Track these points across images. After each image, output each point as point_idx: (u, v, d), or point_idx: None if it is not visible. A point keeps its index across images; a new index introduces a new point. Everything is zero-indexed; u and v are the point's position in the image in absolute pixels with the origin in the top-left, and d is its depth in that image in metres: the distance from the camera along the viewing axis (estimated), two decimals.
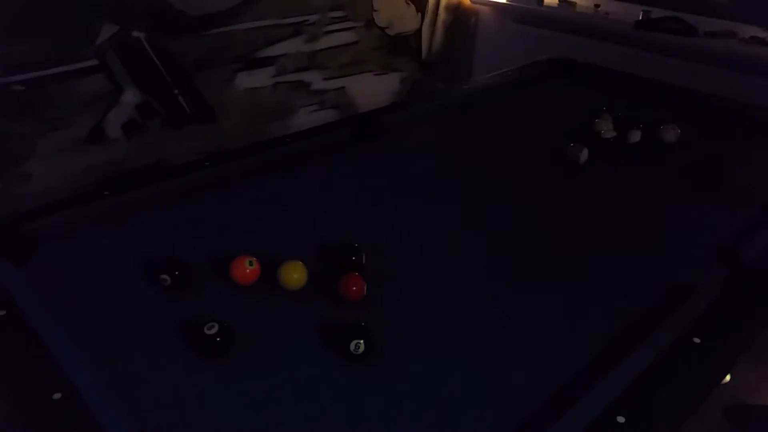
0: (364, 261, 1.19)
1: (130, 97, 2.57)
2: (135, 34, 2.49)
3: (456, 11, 3.66)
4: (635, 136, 1.77)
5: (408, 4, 3.41)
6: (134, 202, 1.37)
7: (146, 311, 1.09)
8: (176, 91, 2.70)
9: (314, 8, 3.01)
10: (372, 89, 3.44)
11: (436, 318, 1.10)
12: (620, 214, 1.47)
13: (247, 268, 1.15)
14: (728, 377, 1.74)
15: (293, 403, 0.91)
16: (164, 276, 1.13)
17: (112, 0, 2.38)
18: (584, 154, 1.66)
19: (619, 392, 0.90)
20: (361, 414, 0.90)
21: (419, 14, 3.50)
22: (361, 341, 0.98)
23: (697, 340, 1.02)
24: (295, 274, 1.15)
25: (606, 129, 1.80)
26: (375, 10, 3.26)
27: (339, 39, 3.18)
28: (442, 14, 3.61)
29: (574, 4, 3.41)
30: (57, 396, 0.87)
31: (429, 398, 0.93)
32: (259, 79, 2.96)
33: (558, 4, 3.45)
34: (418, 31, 3.54)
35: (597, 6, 3.34)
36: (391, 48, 3.44)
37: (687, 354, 0.99)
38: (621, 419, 0.86)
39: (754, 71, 2.72)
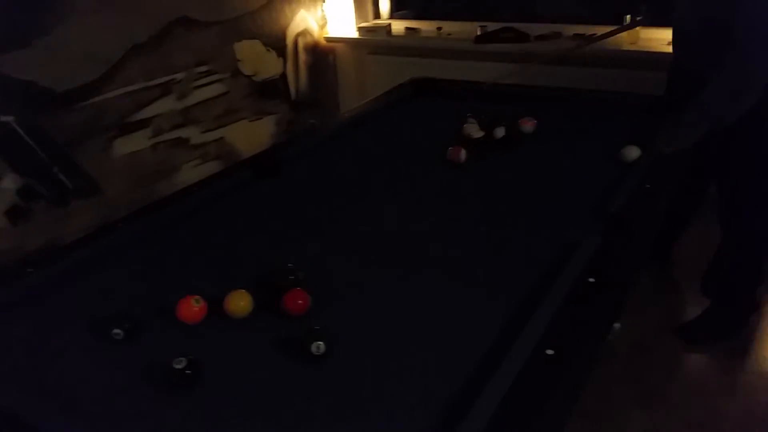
0: (301, 278, 1.31)
1: (10, 183, 2.51)
2: (3, 118, 2.45)
3: (314, 51, 3.88)
4: (500, 132, 2.03)
5: (269, 50, 3.57)
6: (58, 274, 1.40)
7: (108, 363, 1.14)
8: (55, 169, 2.66)
9: (179, 66, 3.08)
10: (250, 134, 3.55)
11: (375, 316, 1.24)
12: (509, 196, 1.70)
13: (194, 306, 1.23)
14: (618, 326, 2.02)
15: (273, 412, 1.01)
16: (116, 330, 1.19)
17: None
18: (463, 154, 1.88)
19: (543, 330, 1.09)
20: (332, 407, 1.02)
21: (281, 59, 3.67)
22: (321, 342, 1.10)
23: (591, 279, 1.24)
24: (241, 302, 1.24)
25: (474, 131, 2.04)
26: (239, 60, 3.39)
27: (209, 92, 3.27)
28: (302, 56, 3.80)
29: (419, 30, 3.74)
30: None
31: (383, 385, 1.06)
32: (137, 142, 2.98)
33: (404, 33, 3.76)
34: (283, 74, 3.71)
35: (439, 29, 3.68)
36: (261, 93, 3.58)
37: (586, 291, 1.21)
38: (550, 352, 1.05)
39: (580, 63, 3.14)
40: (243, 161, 1.99)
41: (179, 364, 1.06)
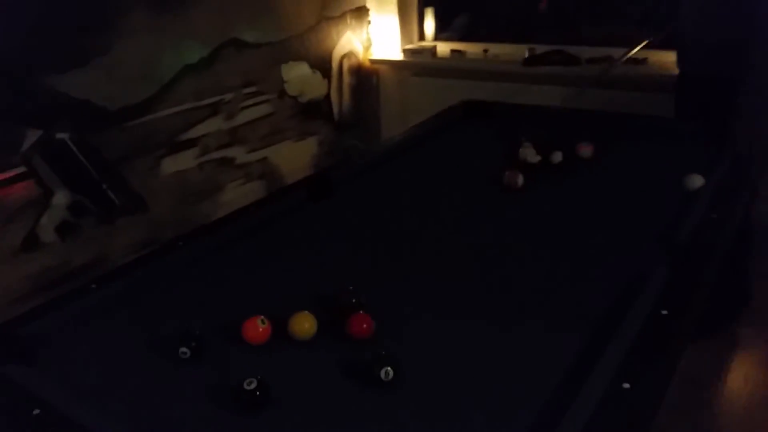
0: (363, 301, 1.29)
1: (61, 198, 2.55)
2: (59, 135, 2.50)
3: (359, 73, 3.90)
4: (557, 157, 1.99)
5: (314, 71, 3.60)
6: (123, 291, 1.40)
7: (176, 383, 1.13)
8: (105, 186, 2.70)
9: (228, 87, 3.12)
10: (293, 155, 3.57)
11: (439, 344, 1.22)
12: (570, 224, 1.66)
13: (260, 327, 1.22)
14: None
15: None
16: (183, 349, 1.18)
17: (32, 105, 2.39)
18: (520, 179, 1.85)
19: (618, 363, 1.05)
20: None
21: (326, 80, 3.69)
22: (389, 368, 1.08)
23: (664, 312, 1.19)
24: (306, 324, 1.23)
25: (531, 155, 2.01)
26: (285, 81, 3.42)
27: (255, 112, 3.30)
28: (346, 77, 3.82)
29: (464, 52, 3.74)
30: None
31: (451, 415, 1.03)
32: (184, 161, 3.01)
33: (450, 55, 3.76)
34: (327, 96, 3.73)
35: (485, 51, 3.68)
36: (305, 114, 3.60)
37: (659, 325, 1.17)
38: (626, 385, 1.01)
39: (636, 87, 3.09)
40: (297, 182, 1.99)
41: (250, 385, 1.04)
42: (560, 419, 0.93)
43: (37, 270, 2.50)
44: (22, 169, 2.39)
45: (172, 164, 2.95)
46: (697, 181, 1.74)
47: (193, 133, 3.01)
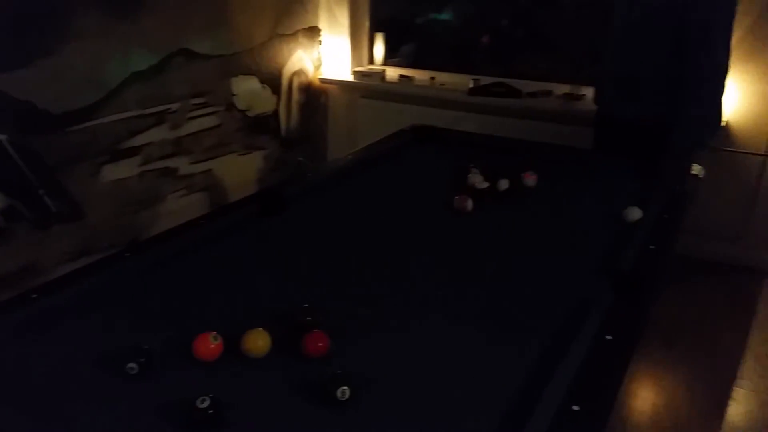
0: (319, 319, 1.29)
1: None
2: None
3: (308, 91, 3.92)
4: (504, 184, 2.06)
5: (264, 87, 3.59)
6: (66, 302, 1.35)
7: (123, 399, 1.10)
8: (41, 192, 2.60)
9: (176, 97, 3.07)
10: (238, 168, 3.54)
11: (394, 361, 1.23)
12: (517, 248, 1.72)
13: (211, 344, 1.20)
14: None
15: None
16: (131, 365, 1.15)
17: None
18: (470, 204, 1.91)
19: (566, 385, 1.09)
20: None
21: (275, 96, 3.69)
22: (346, 387, 1.09)
23: (609, 337, 1.25)
24: (260, 341, 1.22)
25: (479, 181, 2.07)
26: (234, 95, 3.40)
27: (202, 124, 3.26)
28: (295, 94, 3.83)
29: (412, 78, 3.82)
30: None
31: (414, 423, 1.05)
32: (125, 169, 2.94)
33: (398, 80, 3.83)
34: (276, 112, 3.73)
35: (432, 78, 3.77)
36: (252, 129, 3.58)
37: (603, 349, 1.22)
38: (576, 407, 1.05)
39: (570, 121, 3.24)
40: (247, 197, 1.98)
41: (203, 403, 1.03)
42: None
43: None
44: None
45: (112, 172, 2.87)
46: (635, 213, 1.84)
47: (136, 141, 2.94)
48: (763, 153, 3.15)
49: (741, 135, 3.18)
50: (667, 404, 2.33)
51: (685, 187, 2.09)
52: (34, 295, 1.35)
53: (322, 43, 3.91)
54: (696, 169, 2.24)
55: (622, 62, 2.50)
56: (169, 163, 3.14)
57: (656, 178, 2.12)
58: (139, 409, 1.07)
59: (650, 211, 1.84)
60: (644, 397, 2.36)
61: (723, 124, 3.07)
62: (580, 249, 1.71)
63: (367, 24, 3.96)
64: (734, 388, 2.39)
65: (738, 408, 2.29)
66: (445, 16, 4.16)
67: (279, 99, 3.73)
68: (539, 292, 1.48)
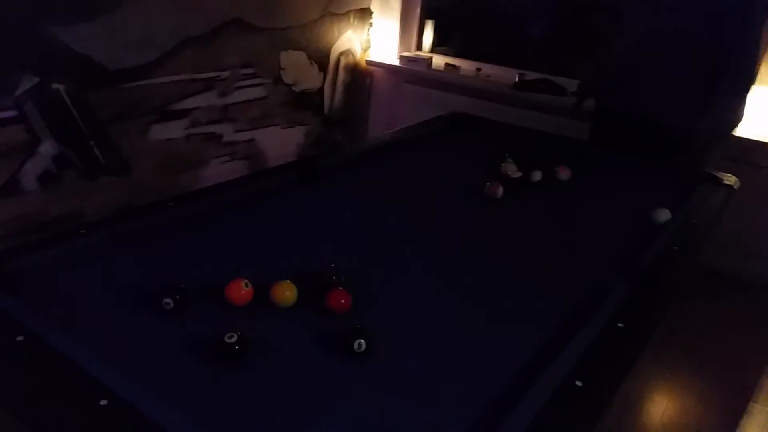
0: (342, 280, 1.36)
1: (48, 148, 2.57)
2: (54, 86, 2.52)
3: (353, 72, 3.98)
4: (537, 175, 2.10)
5: (312, 63, 3.66)
6: (112, 240, 1.45)
7: (155, 328, 1.19)
8: (92, 143, 2.72)
9: (227, 65, 3.17)
10: (279, 141, 3.62)
11: (409, 320, 1.30)
12: (541, 235, 1.76)
13: (243, 289, 1.28)
14: None
15: (309, 399, 1.05)
16: (167, 300, 1.23)
17: (32, 52, 2.40)
18: (500, 191, 1.95)
19: (574, 363, 1.14)
20: (371, 401, 1.06)
21: (321, 73, 3.76)
22: (362, 340, 1.15)
23: (620, 324, 1.29)
24: (287, 292, 1.29)
25: (512, 170, 2.11)
26: (282, 69, 3.48)
27: (249, 94, 3.35)
28: (341, 74, 3.90)
29: (458, 67, 3.85)
30: (104, 402, 0.95)
31: (421, 381, 1.12)
32: (173, 131, 3.04)
33: (444, 68, 3.86)
34: (321, 89, 3.80)
35: (479, 69, 3.79)
36: (297, 104, 3.66)
37: (614, 336, 1.26)
38: (579, 383, 1.10)
39: None
40: (285, 164, 2.05)
41: (230, 339, 1.10)
42: (517, 403, 1.02)
43: (12, 215, 2.50)
44: (13, 113, 2.41)
45: (160, 132, 2.98)
46: (664, 215, 1.85)
47: (185, 105, 3.05)
48: None
49: None
50: (678, 410, 2.34)
51: (715, 194, 2.10)
52: (83, 231, 1.45)
53: (372, 25, 3.96)
54: (731, 179, 2.24)
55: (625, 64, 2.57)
56: (215, 128, 3.24)
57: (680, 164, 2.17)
58: (168, 339, 1.16)
59: (678, 215, 1.86)
60: (657, 401, 2.38)
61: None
62: (602, 243, 1.74)
63: (418, 10, 4.00)
64: (751, 402, 2.39)
65: (751, 422, 2.30)
66: (496, 8, 4.17)
67: (325, 77, 3.80)
68: (557, 279, 1.53)
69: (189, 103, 3.07)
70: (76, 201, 2.72)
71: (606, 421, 2.11)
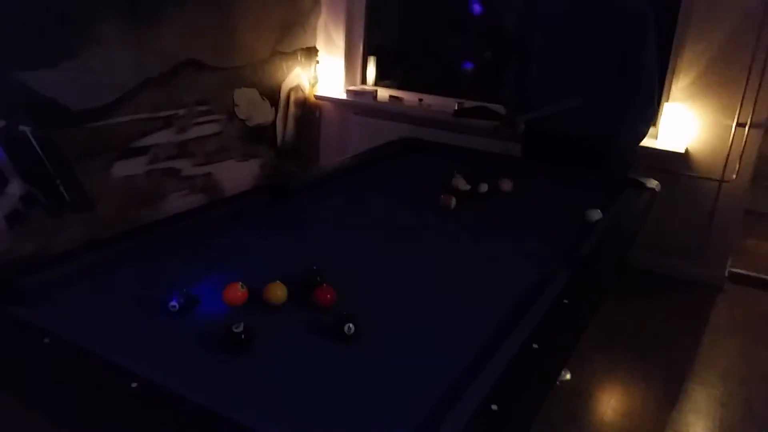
0: (324, 280, 1.53)
1: (15, 188, 2.64)
2: (21, 128, 2.61)
3: (303, 106, 4.19)
4: (484, 187, 2.34)
5: (264, 99, 3.85)
6: (118, 256, 1.60)
7: (166, 328, 1.33)
8: (58, 182, 2.81)
9: (183, 103, 3.32)
10: (235, 174, 3.77)
11: (387, 310, 1.49)
12: (492, 237, 1.99)
13: (239, 290, 1.44)
14: (568, 375, 2.41)
15: (309, 380, 1.22)
16: (173, 303, 1.38)
17: (1, 96, 2.50)
18: (453, 202, 2.18)
19: (531, 331, 1.35)
20: (360, 377, 1.24)
21: (273, 108, 3.96)
22: (351, 324, 1.33)
23: (566, 300, 1.52)
24: (278, 291, 1.46)
25: (461, 184, 2.35)
26: (236, 105, 3.65)
27: (205, 130, 3.50)
28: (291, 108, 4.10)
29: (402, 99, 4.12)
30: (134, 384, 1.10)
31: (391, 365, 1.30)
32: (134, 167, 3.16)
33: (389, 100, 4.12)
34: (273, 123, 3.99)
35: (420, 100, 4.07)
36: (251, 138, 3.84)
37: (558, 312, 1.48)
38: (535, 346, 1.31)
39: None
40: (260, 186, 2.22)
41: (237, 328, 1.26)
42: (485, 364, 1.22)
43: None
44: None
45: (123, 168, 3.09)
46: (596, 214, 2.12)
47: (146, 142, 3.17)
48: (718, 179, 3.47)
49: (699, 162, 3.50)
50: (625, 394, 2.59)
51: (639, 196, 2.39)
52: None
53: (319, 62, 4.20)
54: (653, 183, 2.54)
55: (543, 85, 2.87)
56: (174, 164, 3.37)
57: (605, 172, 2.54)
58: (177, 334, 1.31)
59: (608, 213, 2.13)
60: (606, 389, 2.62)
61: (683, 151, 3.41)
62: (546, 240, 1.98)
63: (361, 47, 4.26)
64: (687, 384, 2.66)
65: (688, 401, 2.56)
66: (433, 45, 4.48)
67: (276, 111, 3.99)
68: (509, 270, 1.75)
69: (149, 140, 3.20)
70: (43, 238, 2.79)
71: (561, 408, 2.34)
